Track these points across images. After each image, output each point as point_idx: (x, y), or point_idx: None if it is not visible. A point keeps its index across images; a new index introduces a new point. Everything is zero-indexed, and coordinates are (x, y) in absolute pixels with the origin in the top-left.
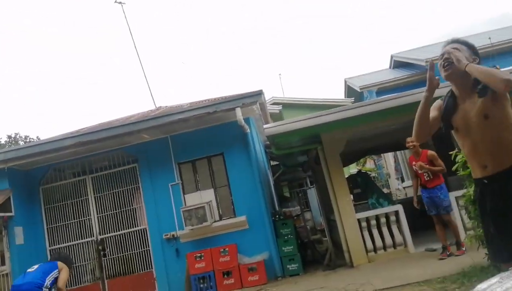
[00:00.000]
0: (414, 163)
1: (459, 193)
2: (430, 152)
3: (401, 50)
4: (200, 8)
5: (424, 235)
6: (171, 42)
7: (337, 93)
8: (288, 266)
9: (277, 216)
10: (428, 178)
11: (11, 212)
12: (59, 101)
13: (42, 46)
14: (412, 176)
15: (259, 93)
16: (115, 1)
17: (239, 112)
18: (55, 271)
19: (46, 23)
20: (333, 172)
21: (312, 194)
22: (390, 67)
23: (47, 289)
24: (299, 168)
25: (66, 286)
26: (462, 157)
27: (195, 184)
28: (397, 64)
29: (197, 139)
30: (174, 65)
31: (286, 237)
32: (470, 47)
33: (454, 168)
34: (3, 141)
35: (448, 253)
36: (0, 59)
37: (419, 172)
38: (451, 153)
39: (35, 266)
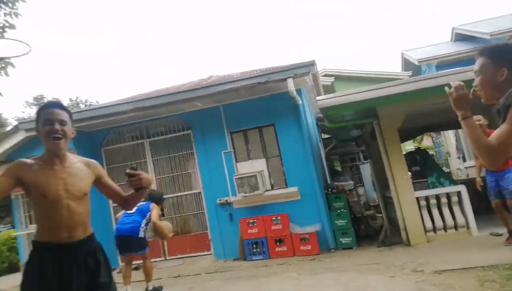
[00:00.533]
0: None
1: None
2: None
3: (464, 23)
4: None
5: (488, 218)
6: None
7: (393, 67)
8: (341, 239)
9: (329, 189)
10: None
11: None
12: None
13: (43, 46)
14: (476, 156)
15: (312, 63)
16: None
17: (291, 83)
18: (148, 213)
19: (47, 23)
20: (390, 148)
21: (365, 169)
22: (451, 40)
23: (144, 228)
24: (352, 142)
25: None
26: None
27: (247, 153)
28: (459, 37)
29: (248, 110)
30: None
31: (339, 211)
32: (496, 54)
33: None
34: (65, 104)
35: None
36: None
37: None
38: None
39: (134, 208)
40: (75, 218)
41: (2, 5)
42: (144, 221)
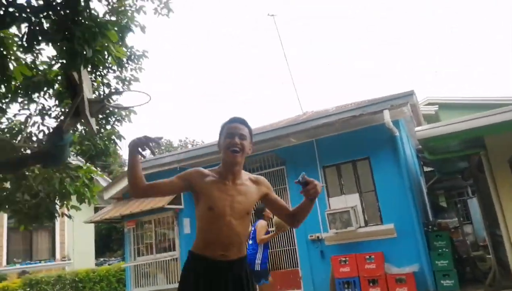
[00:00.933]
0: None
1: None
2: None
3: None
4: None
5: None
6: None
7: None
8: (442, 282)
9: (430, 227)
10: None
11: (181, 205)
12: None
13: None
14: None
15: (410, 94)
16: (268, 14)
17: (387, 115)
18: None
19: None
20: (500, 180)
21: (474, 205)
22: None
23: (259, 261)
24: (458, 175)
25: None
26: None
27: (340, 188)
28: None
29: (342, 143)
30: (319, 70)
31: (440, 250)
32: None
33: None
34: (175, 145)
35: None
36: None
37: None
38: None
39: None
40: (233, 237)
41: (130, 62)
42: (260, 251)
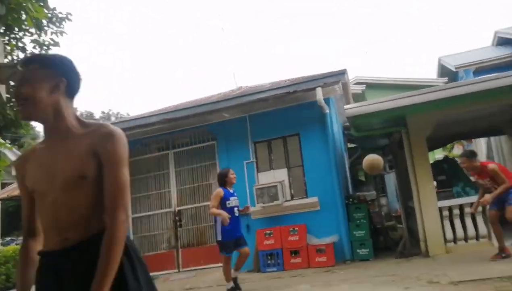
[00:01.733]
0: (478, 179)
1: None
2: (491, 167)
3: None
4: None
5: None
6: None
7: (430, 74)
8: (358, 251)
9: (350, 200)
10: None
11: None
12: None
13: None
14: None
15: (343, 72)
16: None
17: (319, 93)
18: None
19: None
20: (417, 157)
21: (390, 179)
22: (492, 45)
23: (218, 230)
24: (380, 151)
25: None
26: None
27: (269, 163)
28: (502, 41)
29: (274, 119)
30: (255, 46)
31: (358, 221)
32: None
33: None
34: (97, 117)
35: (504, 255)
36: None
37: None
38: None
39: None
40: (65, 216)
41: (50, 25)
42: (219, 221)
